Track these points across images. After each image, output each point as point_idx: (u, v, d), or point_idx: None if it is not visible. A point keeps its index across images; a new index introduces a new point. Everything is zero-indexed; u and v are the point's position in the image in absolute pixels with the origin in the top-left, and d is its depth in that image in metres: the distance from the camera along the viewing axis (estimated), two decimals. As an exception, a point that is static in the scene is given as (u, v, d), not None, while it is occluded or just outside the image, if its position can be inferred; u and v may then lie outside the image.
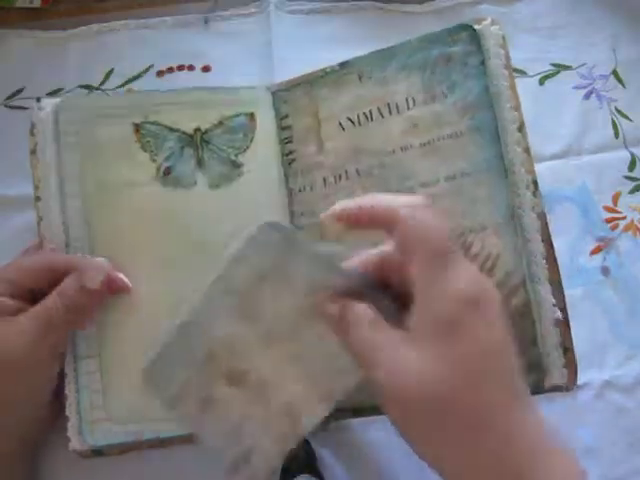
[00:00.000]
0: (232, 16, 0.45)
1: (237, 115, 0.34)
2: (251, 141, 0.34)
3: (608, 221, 0.40)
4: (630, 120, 0.42)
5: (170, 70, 0.43)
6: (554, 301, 0.28)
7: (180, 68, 0.43)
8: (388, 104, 0.32)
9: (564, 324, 0.28)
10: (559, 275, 0.28)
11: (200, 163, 0.34)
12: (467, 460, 0.22)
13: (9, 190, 0.40)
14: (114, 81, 0.43)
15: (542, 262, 0.28)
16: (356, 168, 0.32)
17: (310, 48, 0.43)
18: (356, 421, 0.34)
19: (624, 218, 0.40)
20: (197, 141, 0.34)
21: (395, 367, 0.22)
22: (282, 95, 0.35)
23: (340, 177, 0.33)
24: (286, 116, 0.35)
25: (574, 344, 0.31)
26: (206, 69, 0.43)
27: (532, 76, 0.43)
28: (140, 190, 0.33)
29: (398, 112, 0.31)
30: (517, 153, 0.29)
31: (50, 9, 0.45)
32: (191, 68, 0.43)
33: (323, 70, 0.34)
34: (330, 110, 0.34)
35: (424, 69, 0.31)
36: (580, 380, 0.35)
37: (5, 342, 0.29)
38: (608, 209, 0.40)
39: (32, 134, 0.33)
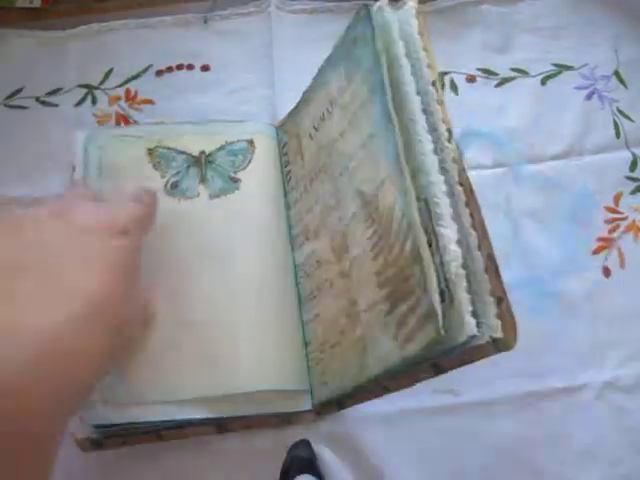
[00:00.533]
0: (231, 15, 0.45)
1: (238, 141, 0.39)
2: (249, 162, 0.38)
3: (609, 221, 0.40)
4: (632, 120, 0.42)
5: (169, 69, 0.43)
6: (470, 244, 0.25)
7: (179, 67, 0.43)
8: (330, 100, 0.34)
9: (493, 272, 0.24)
10: (481, 219, 0.25)
11: (203, 179, 0.37)
12: None
13: (9, 190, 0.40)
14: (113, 80, 0.43)
15: (445, 201, 0.26)
16: (319, 167, 0.35)
17: (311, 48, 0.43)
18: (355, 420, 0.34)
19: (625, 218, 0.40)
20: (202, 161, 0.38)
21: None
22: (282, 126, 0.40)
23: (312, 180, 0.35)
24: (285, 144, 0.39)
25: (575, 342, 0.31)
26: (205, 68, 0.43)
27: (534, 76, 0.43)
28: None
29: (336, 104, 0.33)
30: (416, 102, 0.28)
31: (50, 9, 0.45)
32: (190, 67, 0.43)
33: (303, 95, 0.37)
34: (304, 126, 0.37)
35: (344, 59, 0.33)
36: (580, 380, 0.35)
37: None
38: (609, 209, 0.40)
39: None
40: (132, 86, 0.43)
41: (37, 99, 0.42)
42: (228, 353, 0.32)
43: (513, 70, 0.43)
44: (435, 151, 0.27)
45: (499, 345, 0.24)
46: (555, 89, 0.43)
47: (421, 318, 0.24)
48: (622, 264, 0.39)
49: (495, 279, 0.24)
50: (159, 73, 0.43)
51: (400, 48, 0.29)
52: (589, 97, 0.43)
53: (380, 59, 0.29)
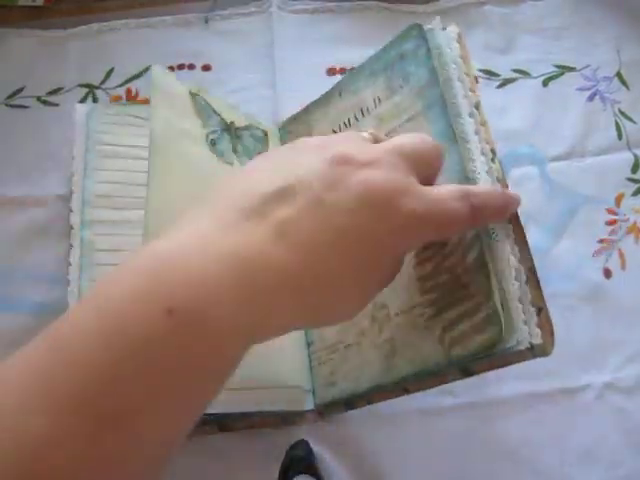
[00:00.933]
0: (232, 15, 0.45)
1: (257, 128, 0.38)
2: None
3: (611, 223, 0.40)
4: (634, 122, 0.42)
5: (170, 69, 0.43)
6: (518, 257, 0.28)
7: (180, 67, 0.43)
8: (361, 109, 0.35)
9: (533, 284, 0.27)
10: (524, 235, 0.28)
11: (235, 150, 0.36)
12: None
13: (9, 190, 0.40)
14: (114, 80, 0.43)
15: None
16: None
17: (313, 48, 0.43)
18: (355, 421, 0.34)
19: (627, 220, 0.40)
20: (232, 132, 0.37)
21: None
22: (285, 127, 0.40)
23: None
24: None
25: (576, 343, 0.31)
26: (206, 68, 0.43)
27: (536, 77, 0.43)
28: (194, 144, 0.34)
29: (369, 113, 0.34)
30: (470, 123, 0.30)
31: (52, 7, 0.45)
32: (191, 67, 0.43)
33: (316, 99, 0.38)
34: (321, 129, 0.37)
35: (385, 71, 0.34)
36: (581, 381, 0.35)
37: None
38: (611, 211, 0.40)
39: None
40: (133, 86, 0.43)
41: (38, 98, 0.42)
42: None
43: (515, 71, 0.43)
44: (487, 172, 0.29)
45: (536, 351, 0.26)
46: (557, 90, 0.43)
47: (482, 322, 0.26)
48: (623, 266, 0.39)
49: (536, 290, 0.27)
50: (160, 73, 0.43)
51: (452, 70, 0.31)
52: (591, 98, 0.43)
53: (438, 77, 0.31)
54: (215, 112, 0.36)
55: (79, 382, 0.16)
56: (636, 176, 0.41)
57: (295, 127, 0.39)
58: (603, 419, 0.35)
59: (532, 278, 0.27)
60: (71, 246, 0.32)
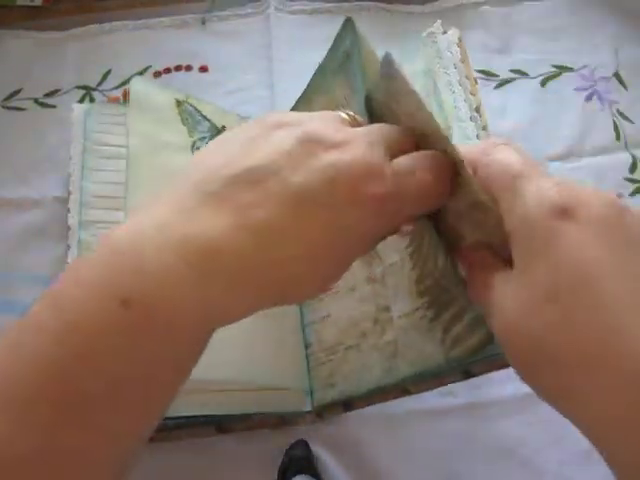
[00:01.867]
0: (230, 16, 0.45)
1: None
2: None
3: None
4: (631, 122, 0.42)
5: (167, 70, 0.43)
6: None
7: (178, 68, 0.43)
8: (337, 106, 0.33)
9: None
10: None
11: None
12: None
13: (7, 192, 0.40)
14: (111, 82, 0.43)
15: None
16: None
17: (310, 49, 0.43)
18: (354, 421, 0.34)
19: (625, 220, 0.40)
20: None
21: (503, 305, 0.20)
22: None
23: None
24: None
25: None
26: (203, 69, 0.43)
27: (533, 77, 0.43)
28: (177, 154, 0.35)
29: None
30: (471, 127, 0.31)
31: (51, 8, 0.45)
32: (189, 68, 0.43)
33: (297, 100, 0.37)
34: None
35: (341, 69, 0.33)
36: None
37: None
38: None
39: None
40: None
41: (35, 100, 0.42)
42: (227, 351, 0.32)
43: (513, 71, 0.43)
44: None
45: None
46: (555, 90, 0.43)
47: (468, 325, 0.26)
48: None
49: None
50: (157, 74, 0.43)
51: (453, 73, 0.32)
52: (589, 98, 0.43)
53: (358, 84, 0.29)
54: (205, 118, 0.37)
55: (35, 379, 0.16)
56: (634, 176, 0.41)
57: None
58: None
59: None
60: (69, 247, 0.32)
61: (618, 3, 0.45)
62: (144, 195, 0.33)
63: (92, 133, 0.35)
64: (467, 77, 0.32)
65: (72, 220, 0.33)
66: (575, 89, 0.43)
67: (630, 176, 0.41)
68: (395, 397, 0.31)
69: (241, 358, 0.32)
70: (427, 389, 0.30)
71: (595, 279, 0.17)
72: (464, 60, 0.33)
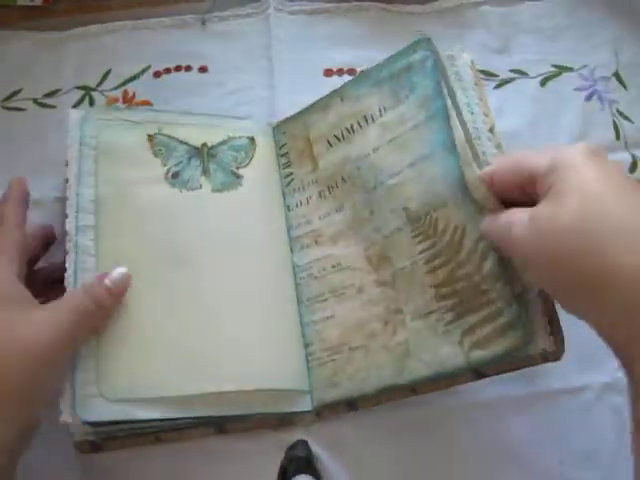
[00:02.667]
0: (230, 16, 0.45)
1: (240, 137, 0.39)
2: (250, 159, 0.38)
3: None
4: (631, 122, 0.42)
5: (167, 71, 0.43)
6: None
7: (177, 69, 0.43)
8: (365, 116, 0.36)
9: (546, 296, 0.29)
10: None
11: (205, 171, 0.37)
12: None
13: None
14: (111, 82, 0.43)
15: None
16: (342, 176, 0.36)
17: (310, 49, 0.43)
18: (354, 421, 0.34)
19: (625, 220, 0.40)
20: (204, 154, 0.38)
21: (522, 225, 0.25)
22: (280, 127, 0.40)
23: (332, 188, 0.37)
24: (284, 145, 0.39)
25: (575, 344, 0.31)
26: (203, 70, 0.43)
27: (533, 77, 0.43)
28: (148, 187, 0.35)
29: (373, 121, 0.35)
30: (489, 146, 0.32)
31: (51, 8, 0.45)
32: (188, 69, 0.43)
33: (314, 102, 0.38)
34: (319, 131, 0.37)
35: (391, 80, 0.35)
36: (580, 382, 0.35)
37: (41, 333, 0.28)
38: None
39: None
40: (130, 87, 0.42)
41: (35, 101, 0.42)
42: (227, 352, 0.32)
43: (512, 71, 0.43)
44: None
45: (548, 357, 0.29)
46: (555, 90, 0.43)
47: (501, 328, 0.29)
48: (622, 266, 0.39)
49: (549, 301, 0.29)
50: (157, 74, 0.43)
51: (472, 95, 0.34)
52: (589, 98, 0.43)
53: (442, 89, 0.32)
54: (181, 142, 0.37)
55: None
56: (634, 176, 0.41)
57: (290, 128, 0.39)
58: (602, 419, 0.35)
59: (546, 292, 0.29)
60: (66, 252, 0.32)
61: (618, 3, 0.45)
62: (114, 238, 0.33)
63: (88, 138, 0.35)
64: (481, 99, 0.34)
65: (70, 225, 0.33)
66: (575, 89, 0.43)
67: (630, 176, 0.41)
68: (403, 397, 0.32)
69: (240, 359, 0.32)
70: (437, 389, 0.32)
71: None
72: (478, 82, 0.34)
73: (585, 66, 0.43)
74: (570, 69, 0.43)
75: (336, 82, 0.40)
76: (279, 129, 0.40)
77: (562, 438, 0.34)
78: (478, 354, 0.29)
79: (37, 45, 0.43)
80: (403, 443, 0.34)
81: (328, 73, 0.43)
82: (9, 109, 0.42)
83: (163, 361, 0.31)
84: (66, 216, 0.33)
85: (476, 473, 0.34)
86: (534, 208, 0.25)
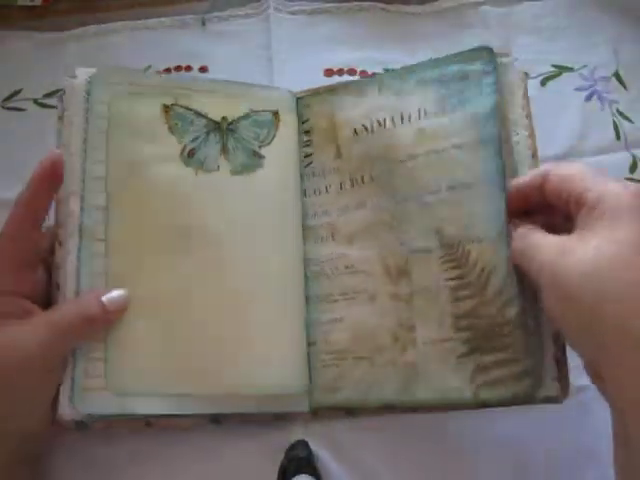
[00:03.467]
0: (230, 17, 0.45)
1: (264, 111, 0.36)
2: (273, 138, 0.35)
3: (609, 223, 0.40)
4: (631, 122, 0.42)
5: (167, 71, 0.43)
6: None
7: (177, 69, 0.43)
8: (401, 113, 0.33)
9: (560, 338, 0.29)
10: None
11: (224, 150, 0.34)
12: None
13: (7, 193, 0.40)
14: (112, 82, 0.43)
15: None
16: (371, 174, 0.34)
17: (311, 49, 0.43)
18: (354, 421, 0.34)
19: (625, 220, 0.40)
20: (223, 129, 0.35)
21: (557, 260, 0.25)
22: (305, 100, 0.37)
23: (356, 182, 0.34)
24: (307, 120, 0.36)
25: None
26: (203, 70, 0.43)
27: (533, 77, 0.43)
28: (163, 167, 0.33)
29: (409, 121, 0.33)
30: (522, 155, 0.31)
31: (51, 8, 0.45)
32: (188, 69, 0.43)
33: (347, 82, 0.37)
34: (347, 116, 0.35)
35: (439, 83, 0.33)
36: (580, 382, 0.35)
37: (19, 348, 0.28)
38: (609, 211, 0.40)
39: (61, 101, 0.33)
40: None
41: (35, 101, 0.42)
42: (230, 350, 0.32)
43: (512, 71, 0.43)
44: None
45: (549, 400, 0.29)
46: (555, 90, 0.43)
47: (516, 374, 0.29)
48: (622, 266, 0.39)
49: (560, 342, 0.29)
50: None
51: (519, 117, 0.31)
52: (589, 98, 0.43)
53: (498, 114, 0.30)
54: (199, 114, 0.34)
55: None
56: (634, 176, 0.41)
57: (316, 103, 0.36)
58: (602, 419, 0.34)
59: (557, 332, 0.29)
60: (60, 241, 0.31)
61: (618, 3, 0.45)
62: (124, 222, 0.31)
63: (98, 105, 0.32)
64: (527, 116, 0.32)
65: (73, 205, 0.31)
66: (575, 89, 0.43)
67: (630, 176, 0.41)
68: (401, 412, 0.32)
69: (242, 357, 0.32)
70: (437, 412, 0.32)
71: None
72: (525, 97, 0.32)
73: (585, 66, 0.43)
74: (570, 69, 0.43)
75: (336, 82, 0.40)
76: (303, 102, 0.37)
77: (562, 438, 0.34)
78: (486, 393, 0.29)
79: (37, 45, 0.43)
80: (402, 443, 0.34)
81: (328, 73, 0.43)
82: (9, 109, 0.42)
83: (166, 358, 0.31)
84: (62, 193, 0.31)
85: (474, 473, 0.33)
86: (570, 241, 0.25)
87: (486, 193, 0.30)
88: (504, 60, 0.32)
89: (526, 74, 0.33)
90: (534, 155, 0.31)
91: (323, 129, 0.36)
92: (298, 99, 0.37)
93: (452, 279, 0.31)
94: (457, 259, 0.31)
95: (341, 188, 0.35)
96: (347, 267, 0.34)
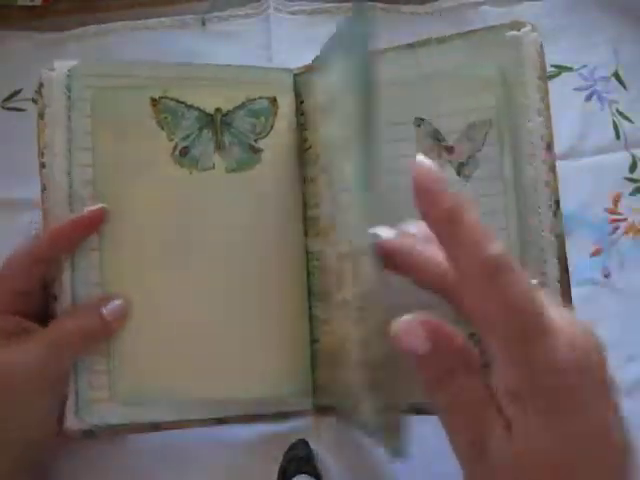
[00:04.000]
0: (230, 17, 0.45)
1: (260, 98, 0.33)
2: (271, 127, 0.33)
3: (609, 222, 0.40)
4: (631, 122, 0.42)
5: (167, 71, 0.43)
6: None
7: (178, 69, 0.43)
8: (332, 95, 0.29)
9: None
10: (571, 299, 0.28)
11: (219, 146, 0.32)
12: None
13: (7, 193, 0.40)
14: (112, 82, 0.43)
15: (556, 285, 0.27)
16: (323, 166, 0.31)
17: (310, 49, 0.43)
18: (355, 422, 0.34)
19: (625, 220, 0.40)
20: (217, 122, 0.32)
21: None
22: (302, 77, 0.34)
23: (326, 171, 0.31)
24: (302, 102, 0.33)
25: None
26: (204, 70, 0.43)
27: (533, 77, 0.43)
28: (155, 168, 0.31)
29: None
30: (541, 170, 0.27)
31: (51, 8, 0.45)
32: (189, 69, 0.43)
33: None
34: (317, 95, 0.31)
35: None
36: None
37: (19, 371, 0.28)
38: (609, 211, 0.40)
39: (40, 95, 0.30)
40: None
41: (35, 101, 0.42)
42: (232, 351, 0.32)
43: (512, 71, 0.43)
44: (551, 230, 0.27)
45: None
46: (554, 90, 0.42)
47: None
48: (622, 265, 0.39)
49: None
50: (157, 74, 0.43)
51: (532, 101, 0.28)
52: (588, 98, 0.43)
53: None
54: (191, 107, 0.32)
55: None
56: (634, 176, 0.41)
57: (310, 80, 0.33)
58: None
59: None
60: None
61: (618, 3, 0.45)
62: (119, 231, 0.31)
63: (79, 101, 0.30)
64: (543, 99, 0.27)
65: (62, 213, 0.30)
66: (575, 89, 0.43)
67: (630, 176, 0.41)
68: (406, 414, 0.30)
69: (246, 362, 0.32)
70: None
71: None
72: (542, 76, 0.27)
73: (585, 66, 0.43)
74: (570, 69, 0.43)
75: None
76: (300, 80, 0.33)
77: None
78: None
79: (37, 45, 0.43)
80: (403, 443, 0.34)
81: (328, 73, 0.43)
82: (9, 109, 0.42)
83: (171, 363, 0.31)
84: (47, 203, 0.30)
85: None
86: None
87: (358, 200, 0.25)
88: (515, 34, 0.28)
89: (542, 46, 0.28)
90: (549, 147, 0.27)
91: (312, 112, 0.32)
92: (295, 75, 0.34)
93: (358, 300, 0.27)
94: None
95: (323, 177, 0.31)
96: (325, 267, 0.31)
